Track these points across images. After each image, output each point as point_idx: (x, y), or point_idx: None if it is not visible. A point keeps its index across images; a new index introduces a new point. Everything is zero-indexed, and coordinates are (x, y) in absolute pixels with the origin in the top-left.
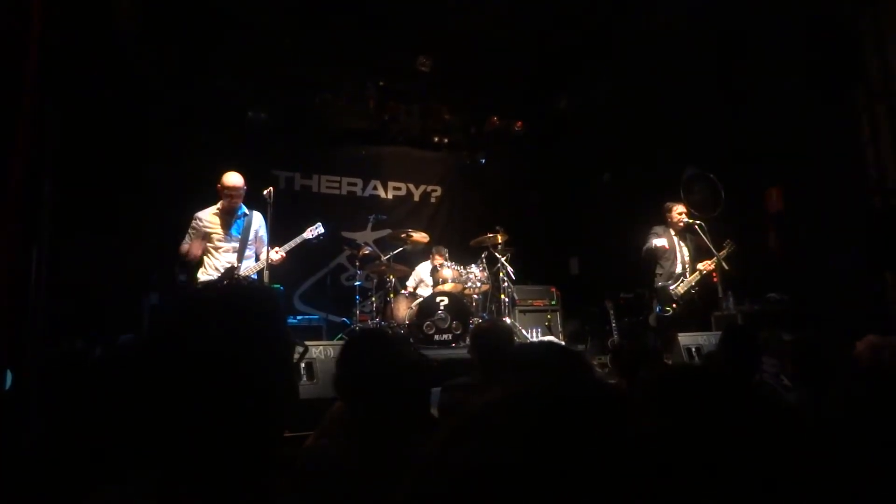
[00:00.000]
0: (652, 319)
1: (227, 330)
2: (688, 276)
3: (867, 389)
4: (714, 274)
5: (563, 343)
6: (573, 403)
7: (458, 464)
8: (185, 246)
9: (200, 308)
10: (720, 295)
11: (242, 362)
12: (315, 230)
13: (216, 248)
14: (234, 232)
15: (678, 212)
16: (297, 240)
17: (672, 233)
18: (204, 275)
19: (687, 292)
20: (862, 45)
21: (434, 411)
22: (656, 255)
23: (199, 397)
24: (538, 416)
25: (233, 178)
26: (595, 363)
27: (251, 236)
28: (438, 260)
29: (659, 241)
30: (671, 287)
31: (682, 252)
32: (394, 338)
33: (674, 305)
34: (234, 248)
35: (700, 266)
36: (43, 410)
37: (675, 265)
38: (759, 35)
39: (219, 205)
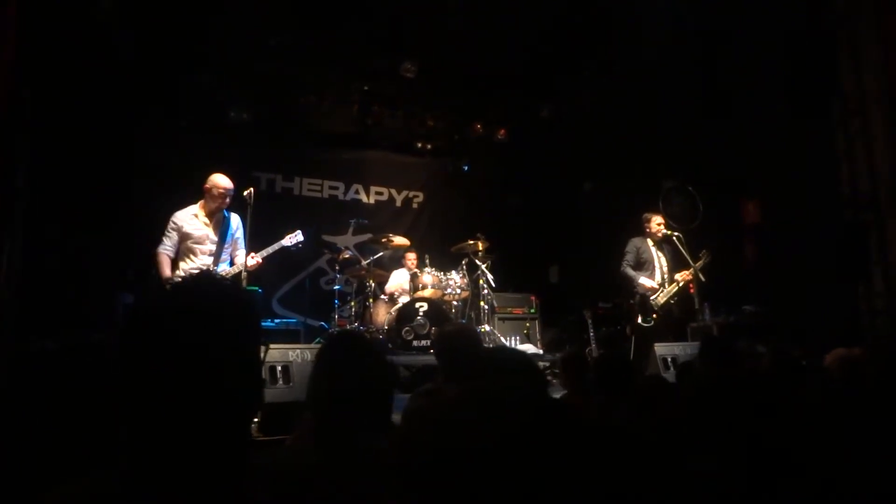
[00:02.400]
0: (628, 329)
1: (201, 325)
2: (667, 286)
3: (836, 399)
4: (691, 285)
5: (525, 352)
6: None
7: (412, 456)
8: (162, 255)
9: (174, 303)
10: (696, 306)
11: (215, 360)
12: (294, 238)
13: (192, 252)
14: (212, 236)
15: (657, 223)
16: (276, 246)
17: (650, 243)
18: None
19: (666, 303)
20: (838, 63)
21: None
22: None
23: (168, 394)
24: (483, 415)
25: (225, 181)
26: None
27: (228, 239)
28: (410, 261)
29: (645, 282)
30: (651, 298)
31: (661, 262)
32: (370, 341)
33: (654, 316)
34: (210, 251)
35: (678, 276)
36: (11, 409)
37: (654, 276)
38: (738, 50)
39: (200, 205)
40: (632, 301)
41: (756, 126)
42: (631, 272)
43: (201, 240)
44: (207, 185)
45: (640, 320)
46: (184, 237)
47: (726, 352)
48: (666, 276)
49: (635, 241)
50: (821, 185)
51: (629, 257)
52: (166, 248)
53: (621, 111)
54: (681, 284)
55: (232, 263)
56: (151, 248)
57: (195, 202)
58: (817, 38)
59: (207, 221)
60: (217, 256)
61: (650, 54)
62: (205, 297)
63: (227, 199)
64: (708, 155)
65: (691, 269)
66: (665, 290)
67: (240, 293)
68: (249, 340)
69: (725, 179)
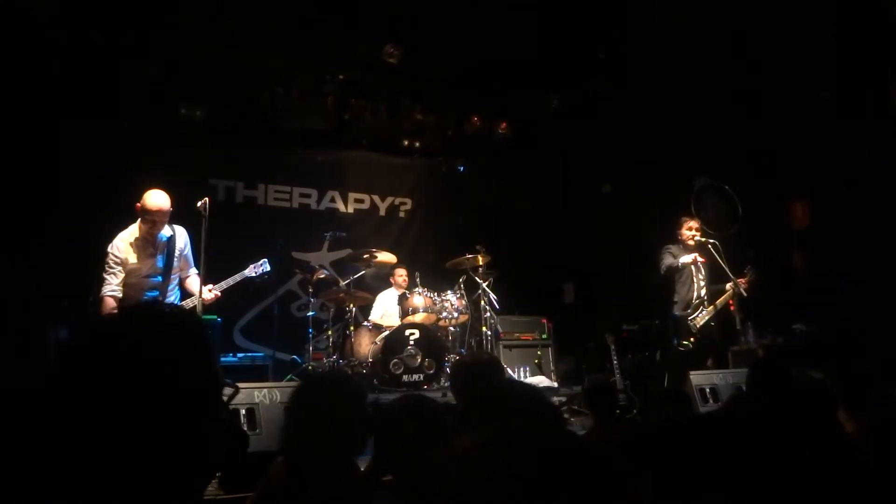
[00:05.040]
0: (658, 356)
1: (144, 361)
2: (706, 304)
3: None
4: (731, 302)
5: (540, 386)
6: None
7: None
8: (108, 300)
9: (115, 333)
10: (738, 326)
11: (162, 396)
12: (259, 267)
13: (138, 285)
14: (158, 264)
15: (688, 227)
16: (237, 277)
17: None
18: None
19: (706, 324)
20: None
21: None
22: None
23: (110, 432)
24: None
25: (156, 199)
26: None
27: (175, 262)
28: (401, 278)
29: (686, 258)
30: (689, 318)
31: (699, 276)
32: (351, 381)
33: (692, 339)
34: (157, 283)
35: (718, 302)
36: None
37: (692, 291)
38: (785, 35)
39: (135, 229)
40: (666, 321)
41: (804, 115)
42: (670, 260)
43: (148, 273)
44: (138, 206)
45: (674, 342)
46: (129, 272)
47: (779, 380)
48: (704, 291)
49: (671, 249)
50: (879, 183)
51: (667, 260)
52: (113, 290)
53: (645, 100)
54: (720, 306)
55: (182, 290)
56: (90, 271)
57: (133, 222)
58: (872, 22)
59: (152, 250)
60: (164, 288)
61: (679, 34)
62: (150, 326)
63: (161, 222)
64: (748, 148)
65: (731, 284)
66: (705, 310)
67: (190, 320)
68: (202, 374)
69: (769, 177)
